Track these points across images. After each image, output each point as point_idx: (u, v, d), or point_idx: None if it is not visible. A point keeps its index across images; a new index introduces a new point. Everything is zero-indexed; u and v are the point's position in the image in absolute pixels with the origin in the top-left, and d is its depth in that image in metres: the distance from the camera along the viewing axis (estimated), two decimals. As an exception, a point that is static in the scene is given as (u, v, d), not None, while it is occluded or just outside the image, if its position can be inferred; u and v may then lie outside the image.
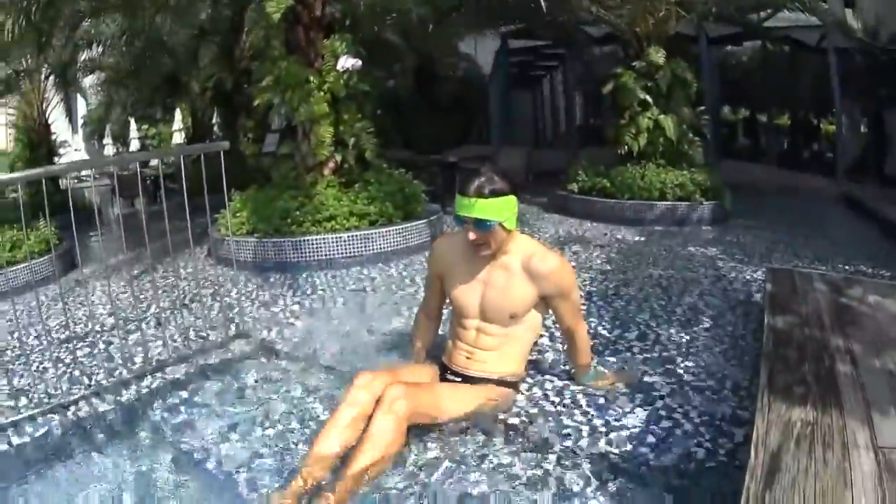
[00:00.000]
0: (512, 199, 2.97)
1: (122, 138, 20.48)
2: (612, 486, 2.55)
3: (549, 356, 3.87)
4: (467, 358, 3.19)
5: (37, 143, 12.54)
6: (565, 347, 3.57)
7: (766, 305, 3.84)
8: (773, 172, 14.14)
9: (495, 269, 3.12)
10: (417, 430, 2.91)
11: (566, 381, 3.50)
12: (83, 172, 15.40)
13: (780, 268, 5.29)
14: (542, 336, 3.93)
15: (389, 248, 7.13)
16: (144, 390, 3.92)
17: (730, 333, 4.20)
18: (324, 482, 2.60)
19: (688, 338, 4.13)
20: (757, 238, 7.51)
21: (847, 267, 5.92)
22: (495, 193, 2.91)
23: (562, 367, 3.67)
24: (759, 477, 2.04)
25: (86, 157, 18.41)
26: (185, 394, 3.79)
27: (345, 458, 2.69)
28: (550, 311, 3.23)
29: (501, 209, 2.93)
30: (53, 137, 13.18)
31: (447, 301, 3.41)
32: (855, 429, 2.33)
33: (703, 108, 10.23)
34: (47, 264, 7.26)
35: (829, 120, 14.03)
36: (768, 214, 9.18)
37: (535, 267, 3.05)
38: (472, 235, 2.97)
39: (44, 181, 4.05)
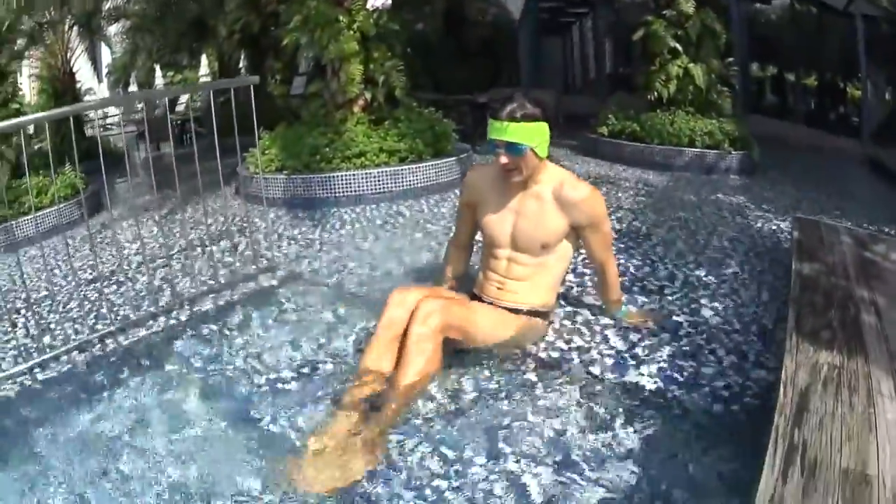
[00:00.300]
0: (544, 125, 2.96)
1: (147, 85, 20.43)
2: (639, 421, 2.57)
3: (578, 290, 3.89)
4: (498, 289, 3.19)
5: (61, 92, 12.50)
6: (596, 282, 3.59)
7: (794, 252, 3.84)
8: (800, 130, 13.98)
9: (527, 198, 3.11)
10: (448, 359, 2.93)
11: (596, 315, 3.53)
12: (109, 120, 15.50)
13: (808, 217, 5.27)
14: (570, 272, 3.95)
15: (419, 185, 7.11)
16: (173, 323, 3.98)
17: (755, 278, 4.21)
18: (370, 405, 2.64)
19: (715, 281, 4.14)
20: (783, 190, 7.48)
21: (871, 226, 5.85)
22: (527, 118, 2.90)
23: (592, 300, 3.70)
24: (789, 416, 2.06)
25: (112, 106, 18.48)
26: (214, 326, 3.85)
27: (389, 378, 2.75)
28: (582, 248, 3.24)
29: (533, 134, 2.92)
30: (78, 86, 13.14)
31: (478, 233, 3.42)
32: (879, 377, 2.35)
33: (731, 59, 10.12)
34: (75, 208, 7.39)
35: (855, 84, 13.81)
36: (794, 170, 9.12)
37: (567, 195, 3.03)
38: (503, 159, 2.96)
39: (71, 123, 4.07)
